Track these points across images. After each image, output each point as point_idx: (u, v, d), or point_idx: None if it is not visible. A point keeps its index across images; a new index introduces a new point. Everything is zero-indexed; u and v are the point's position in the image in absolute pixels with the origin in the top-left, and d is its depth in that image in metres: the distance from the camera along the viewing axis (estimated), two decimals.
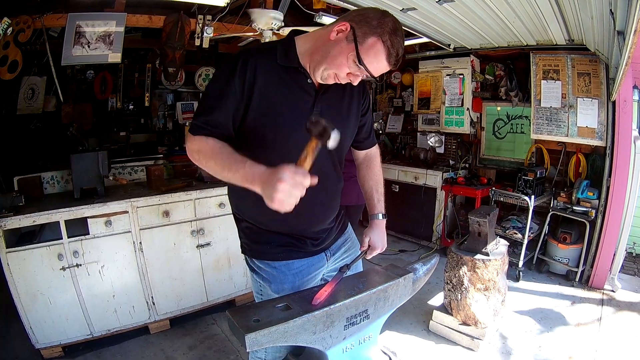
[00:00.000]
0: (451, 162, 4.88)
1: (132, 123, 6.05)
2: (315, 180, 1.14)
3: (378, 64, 1.31)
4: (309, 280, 1.66)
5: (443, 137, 5.13)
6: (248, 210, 1.62)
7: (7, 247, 2.65)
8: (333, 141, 1.15)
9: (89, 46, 3.20)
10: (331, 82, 1.41)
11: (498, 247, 2.93)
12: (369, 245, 1.79)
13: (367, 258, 1.77)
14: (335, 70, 1.36)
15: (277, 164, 1.16)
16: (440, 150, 5.17)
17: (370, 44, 1.28)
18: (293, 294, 1.45)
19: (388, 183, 5.06)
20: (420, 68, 5.19)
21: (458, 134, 5.03)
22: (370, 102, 1.80)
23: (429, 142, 5.03)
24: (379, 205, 1.84)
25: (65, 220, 2.80)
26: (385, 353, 1.66)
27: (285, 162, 1.18)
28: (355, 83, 1.41)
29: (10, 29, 2.81)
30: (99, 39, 3.23)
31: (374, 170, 1.87)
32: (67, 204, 2.88)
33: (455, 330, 2.90)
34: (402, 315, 3.28)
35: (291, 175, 1.09)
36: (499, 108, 4.74)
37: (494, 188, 4.21)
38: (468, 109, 4.81)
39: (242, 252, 1.70)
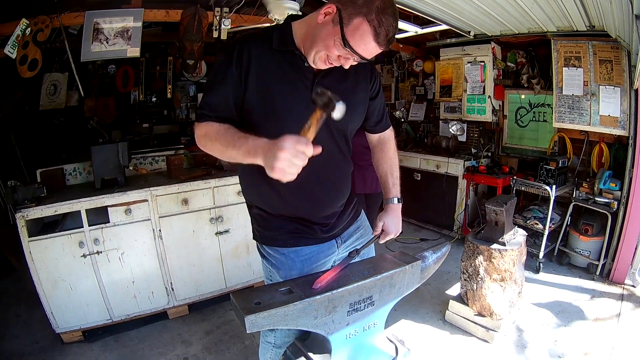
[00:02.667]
0: (473, 150, 4.77)
1: (155, 115, 6.16)
2: (318, 150, 1.13)
3: (366, 45, 1.26)
4: (318, 267, 1.64)
5: (465, 125, 5.00)
6: (257, 195, 1.62)
7: (29, 236, 2.74)
8: (338, 112, 1.16)
9: (107, 42, 3.22)
10: (324, 66, 1.38)
11: (516, 237, 2.84)
12: (383, 230, 1.75)
13: (381, 242, 1.73)
14: (326, 53, 1.33)
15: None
16: (463, 138, 5.05)
17: (356, 25, 1.24)
18: (297, 279, 1.44)
19: (410, 171, 5.00)
20: (442, 56, 5.07)
21: (480, 122, 4.90)
22: (380, 84, 1.74)
23: (450, 130, 4.91)
24: (394, 189, 1.78)
25: (86, 210, 2.87)
26: (391, 341, 1.62)
27: None
28: (347, 66, 1.37)
29: (29, 29, 2.88)
30: (117, 35, 3.24)
31: (388, 153, 1.81)
32: (88, 193, 2.96)
33: (471, 321, 2.84)
34: (419, 304, 3.24)
35: (292, 143, 1.08)
36: (522, 96, 4.58)
37: (515, 177, 4.08)
38: (490, 96, 4.66)
39: (253, 238, 1.71)
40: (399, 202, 1.79)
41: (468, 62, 4.75)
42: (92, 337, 2.99)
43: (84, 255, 2.87)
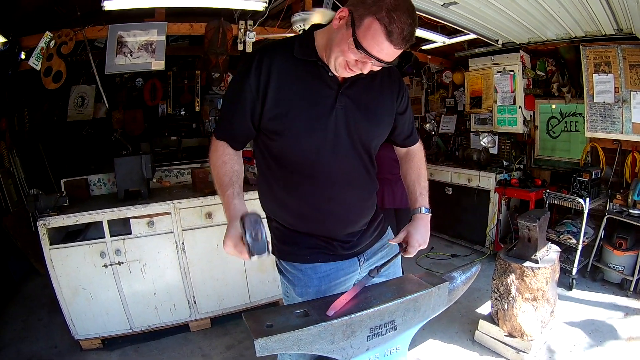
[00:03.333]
0: (505, 163, 4.54)
1: (183, 128, 6.18)
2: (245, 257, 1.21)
3: (379, 45, 1.15)
4: (337, 285, 1.53)
5: (496, 138, 4.78)
6: (275, 209, 1.55)
7: (50, 244, 2.73)
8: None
9: (131, 55, 3.24)
10: (346, 74, 1.29)
11: (549, 253, 2.63)
12: (407, 242, 1.57)
13: (406, 255, 1.55)
14: (344, 59, 1.24)
15: (294, 161, 1.39)
16: (494, 150, 4.82)
17: (367, 25, 1.14)
18: (315, 300, 1.33)
19: (441, 185, 4.82)
20: (471, 66, 4.89)
21: (511, 133, 4.68)
22: (408, 98, 1.63)
23: (481, 142, 4.70)
24: (421, 198, 1.63)
25: (108, 220, 2.83)
26: None
27: (302, 159, 1.38)
28: (365, 71, 1.27)
29: (53, 41, 2.93)
30: (141, 48, 3.26)
31: (415, 162, 1.68)
32: (111, 204, 2.93)
33: (501, 342, 2.63)
34: (449, 323, 3.05)
35: (231, 242, 1.24)
36: (554, 106, 4.35)
37: (547, 190, 3.84)
38: (520, 107, 4.44)
39: (271, 252, 1.58)
40: (427, 212, 1.62)
41: (497, 72, 4.55)
42: (112, 345, 2.94)
43: (105, 265, 2.83)
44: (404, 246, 1.55)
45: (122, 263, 2.88)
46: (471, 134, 5.14)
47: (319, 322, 1.13)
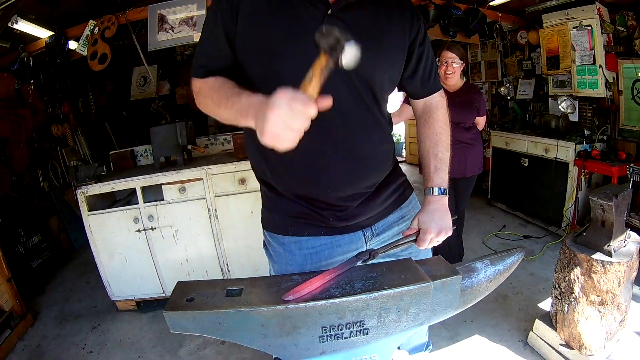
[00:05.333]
0: (586, 132, 3.62)
1: None
2: (326, 104, 0.77)
3: None
4: (330, 266, 1.11)
5: (576, 103, 3.82)
6: (258, 161, 1.18)
7: (89, 210, 2.68)
8: (349, 57, 0.76)
9: (172, 30, 3.12)
10: None
11: (627, 244, 1.89)
12: (419, 230, 1.12)
13: (420, 246, 1.10)
14: None
15: None
16: (574, 117, 3.86)
17: None
18: (285, 276, 0.95)
19: (517, 156, 3.99)
20: (544, 22, 3.95)
21: (593, 98, 3.73)
22: (426, 35, 1.16)
23: (560, 107, 3.79)
24: (436, 175, 1.16)
25: (141, 187, 2.72)
26: None
27: None
28: None
29: (97, 28, 2.99)
30: (182, 23, 3.13)
31: (433, 125, 1.20)
32: (147, 172, 2.80)
33: (555, 350, 2.00)
34: (503, 317, 2.44)
35: (287, 100, 0.73)
36: None
37: (632, 165, 2.99)
38: (601, 66, 3.49)
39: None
40: (441, 193, 1.15)
41: (574, 28, 3.63)
42: (146, 308, 2.88)
43: (139, 231, 2.72)
44: (411, 234, 1.12)
45: (155, 229, 2.74)
46: (549, 98, 4.20)
47: (244, 305, 0.79)
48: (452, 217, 1.15)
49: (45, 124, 3.94)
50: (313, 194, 1.11)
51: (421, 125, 1.23)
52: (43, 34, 3.10)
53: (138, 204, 2.72)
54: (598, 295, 1.74)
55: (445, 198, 1.15)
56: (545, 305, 2.54)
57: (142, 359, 2.36)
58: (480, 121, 2.75)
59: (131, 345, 2.47)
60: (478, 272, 0.98)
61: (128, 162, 3.19)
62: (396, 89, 1.20)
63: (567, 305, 1.86)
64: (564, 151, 3.55)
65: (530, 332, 2.19)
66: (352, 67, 0.78)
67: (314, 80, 0.76)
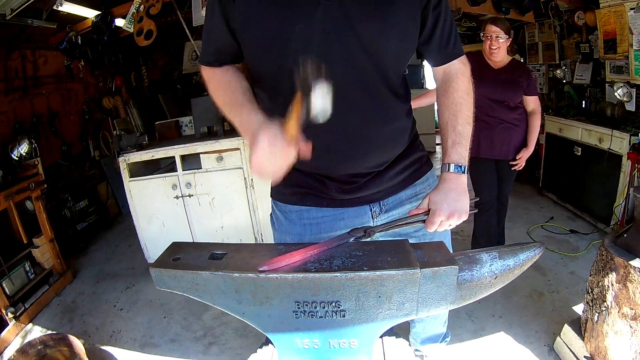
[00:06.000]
0: None
1: None
2: (305, 155, 0.80)
3: None
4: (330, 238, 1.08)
5: (634, 91, 3.40)
6: None
7: (130, 177, 2.82)
8: (317, 106, 0.73)
9: None
10: None
11: None
12: (429, 210, 1.00)
13: (430, 228, 0.97)
14: None
15: (269, 74, 0.98)
16: (631, 107, 3.41)
17: None
18: (268, 245, 0.95)
19: (569, 144, 3.64)
20: (601, 2, 3.49)
21: None
22: None
23: (616, 94, 3.38)
24: (454, 151, 1.01)
25: (180, 155, 2.81)
26: None
27: (277, 69, 0.94)
28: None
29: (142, 6, 3.06)
30: None
31: (452, 95, 1.06)
32: (189, 142, 2.90)
33: None
34: (533, 316, 2.25)
35: (268, 143, 0.77)
36: None
37: None
38: None
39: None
40: (457, 170, 1.00)
41: (631, 9, 3.21)
42: None
43: (177, 197, 2.83)
44: (419, 213, 1.01)
45: (192, 196, 2.84)
46: (606, 84, 3.80)
47: (217, 269, 0.79)
48: (471, 198, 1.00)
49: (97, 97, 4.18)
50: (319, 170, 1.08)
51: (440, 94, 1.11)
52: (89, 13, 3.24)
53: (177, 171, 2.82)
54: (632, 309, 1.52)
55: (464, 177, 1.01)
56: (580, 309, 2.30)
57: (167, 319, 2.46)
58: (531, 101, 2.49)
59: (160, 306, 2.59)
60: (482, 265, 0.87)
61: (172, 132, 3.31)
62: None
63: (597, 314, 1.66)
64: (618, 142, 3.18)
65: (558, 337, 1.99)
66: (321, 119, 0.76)
67: (293, 120, 0.77)
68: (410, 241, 0.91)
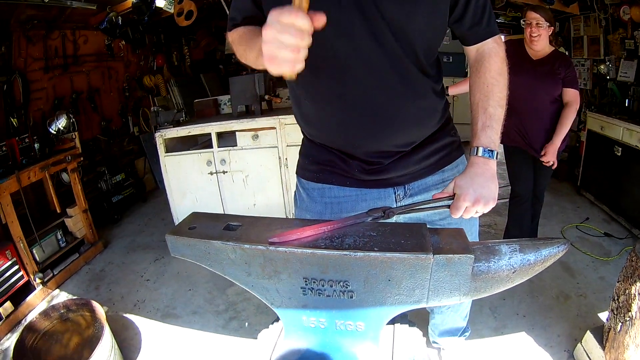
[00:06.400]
0: None
1: None
2: (320, 22, 0.65)
3: None
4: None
5: None
6: (297, 111, 1.17)
7: (166, 152, 2.90)
8: None
9: None
10: None
11: None
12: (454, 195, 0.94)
13: (455, 214, 0.91)
14: None
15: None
16: None
17: None
18: (285, 220, 0.95)
19: (610, 143, 3.42)
20: None
21: None
22: None
23: None
24: (484, 134, 0.95)
25: (216, 132, 2.86)
26: None
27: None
28: None
29: None
30: None
31: (484, 75, 1.00)
32: (226, 120, 2.95)
33: None
34: (557, 319, 2.15)
35: (275, 16, 0.64)
36: None
37: None
38: None
39: None
40: (486, 154, 0.94)
41: None
42: None
43: (211, 173, 2.90)
44: (444, 197, 0.96)
45: (226, 172, 2.90)
46: None
47: (229, 239, 0.79)
48: (501, 186, 0.96)
49: (138, 76, 4.31)
50: (341, 147, 1.07)
51: (472, 75, 1.05)
52: None
53: (212, 148, 2.88)
54: None
55: (492, 162, 0.95)
56: (605, 317, 2.18)
57: (192, 292, 2.54)
58: (571, 95, 2.30)
59: (186, 279, 2.67)
60: (500, 257, 0.81)
61: (210, 110, 3.37)
62: None
63: (620, 324, 1.56)
64: None
65: (579, 344, 1.89)
66: None
67: None
68: (388, 217, 0.88)
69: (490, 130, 0.96)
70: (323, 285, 0.76)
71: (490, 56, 1.01)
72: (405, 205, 0.92)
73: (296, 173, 1.24)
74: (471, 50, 1.06)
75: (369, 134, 1.01)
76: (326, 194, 1.13)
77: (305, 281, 0.77)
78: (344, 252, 0.72)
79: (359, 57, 0.92)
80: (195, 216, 0.94)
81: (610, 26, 4.07)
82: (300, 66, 0.66)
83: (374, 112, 0.98)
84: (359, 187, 1.10)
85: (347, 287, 0.76)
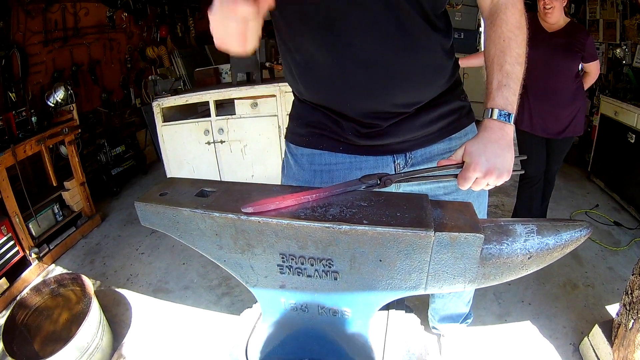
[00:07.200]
0: None
1: None
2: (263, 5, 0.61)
3: None
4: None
5: None
6: (285, 67, 1.03)
7: (163, 122, 2.77)
8: None
9: None
10: None
11: None
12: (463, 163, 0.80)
13: (463, 186, 0.77)
14: None
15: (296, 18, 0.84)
16: None
17: None
18: (264, 185, 0.78)
19: (623, 130, 3.24)
20: None
21: None
22: None
23: None
24: (499, 94, 0.80)
25: (214, 101, 2.73)
26: None
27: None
28: None
29: None
30: None
31: (500, 28, 0.84)
32: (223, 87, 2.80)
33: None
34: (563, 309, 2.02)
35: (218, 2, 0.61)
36: None
37: None
38: None
39: None
40: (502, 118, 0.79)
41: None
42: None
43: (208, 143, 2.78)
44: (452, 164, 0.82)
45: (224, 142, 2.78)
46: None
47: (198, 207, 0.67)
48: (516, 156, 0.80)
49: (141, 47, 4.16)
50: (331, 105, 0.93)
51: (487, 28, 0.89)
52: None
53: (210, 117, 2.75)
54: None
55: (509, 127, 0.80)
56: (613, 310, 2.03)
57: (186, 265, 2.47)
58: (591, 69, 2.19)
59: (180, 252, 2.59)
60: (514, 239, 0.67)
61: (211, 79, 3.24)
62: None
63: (632, 321, 1.43)
64: None
65: (585, 338, 1.77)
66: None
67: None
68: (386, 186, 0.74)
69: (507, 90, 0.80)
70: (303, 264, 0.64)
71: (508, 7, 0.85)
72: (404, 173, 0.78)
73: (285, 137, 1.10)
74: (485, 2, 0.90)
75: (363, 89, 0.86)
76: (316, 160, 1.00)
77: (283, 258, 0.65)
78: (326, 224, 0.60)
79: (351, 1, 0.78)
80: (171, 181, 0.82)
81: (628, 11, 3.87)
82: (251, 46, 0.64)
83: (369, 63, 0.83)
84: (353, 153, 0.97)
85: (330, 267, 0.64)
